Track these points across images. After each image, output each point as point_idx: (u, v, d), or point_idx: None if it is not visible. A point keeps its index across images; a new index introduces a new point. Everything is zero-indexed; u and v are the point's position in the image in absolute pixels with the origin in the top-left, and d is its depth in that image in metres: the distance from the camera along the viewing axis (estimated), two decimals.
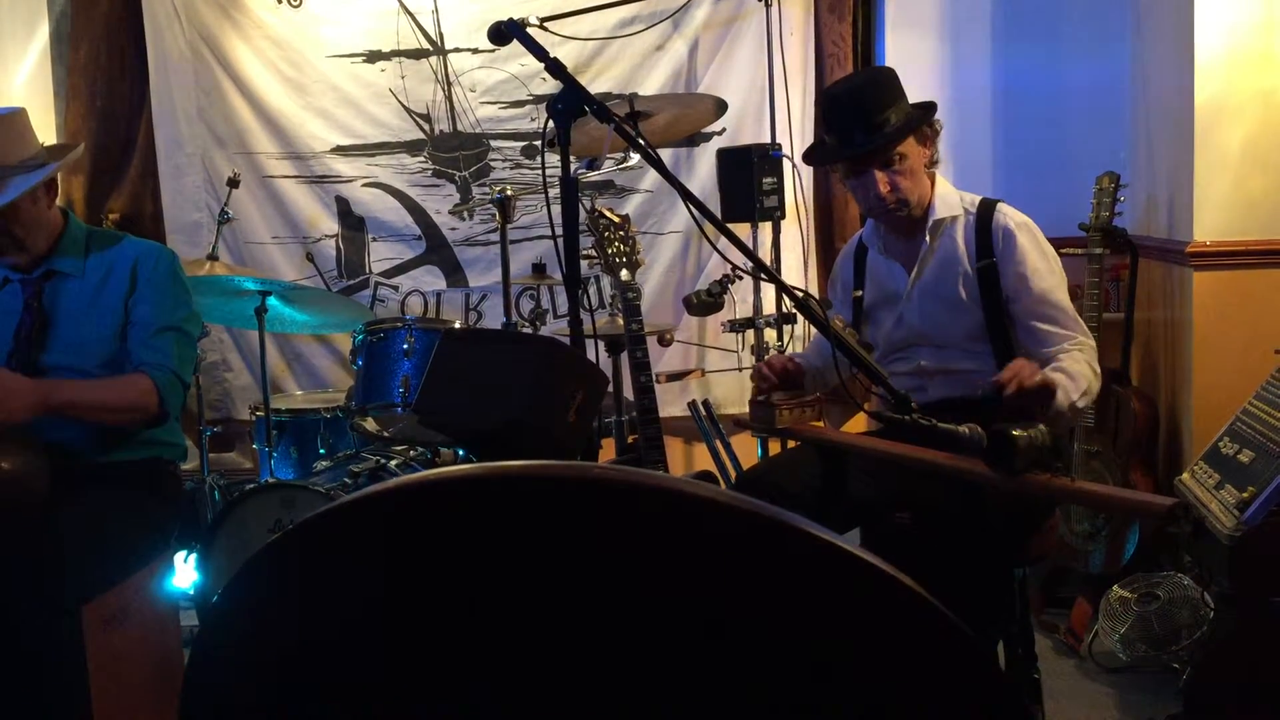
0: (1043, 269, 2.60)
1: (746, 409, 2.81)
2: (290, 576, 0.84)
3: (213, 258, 4.11)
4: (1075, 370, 2.47)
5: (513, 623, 0.80)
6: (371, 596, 0.83)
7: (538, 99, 4.57)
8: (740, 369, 4.39)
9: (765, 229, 4.17)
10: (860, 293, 2.83)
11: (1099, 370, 2.57)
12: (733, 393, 4.56)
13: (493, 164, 4.64)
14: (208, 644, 0.89)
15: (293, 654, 0.85)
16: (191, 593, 3.41)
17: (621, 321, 3.03)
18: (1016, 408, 2.22)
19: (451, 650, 0.82)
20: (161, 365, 2.66)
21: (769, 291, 4.15)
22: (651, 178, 4.56)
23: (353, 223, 4.68)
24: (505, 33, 2.26)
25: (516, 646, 0.81)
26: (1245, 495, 2.45)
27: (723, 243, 2.18)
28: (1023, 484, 2.07)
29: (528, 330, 4.00)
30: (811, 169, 4.46)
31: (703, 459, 4.43)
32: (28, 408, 2.44)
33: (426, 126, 4.62)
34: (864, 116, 2.55)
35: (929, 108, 2.65)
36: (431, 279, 4.71)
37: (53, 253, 2.70)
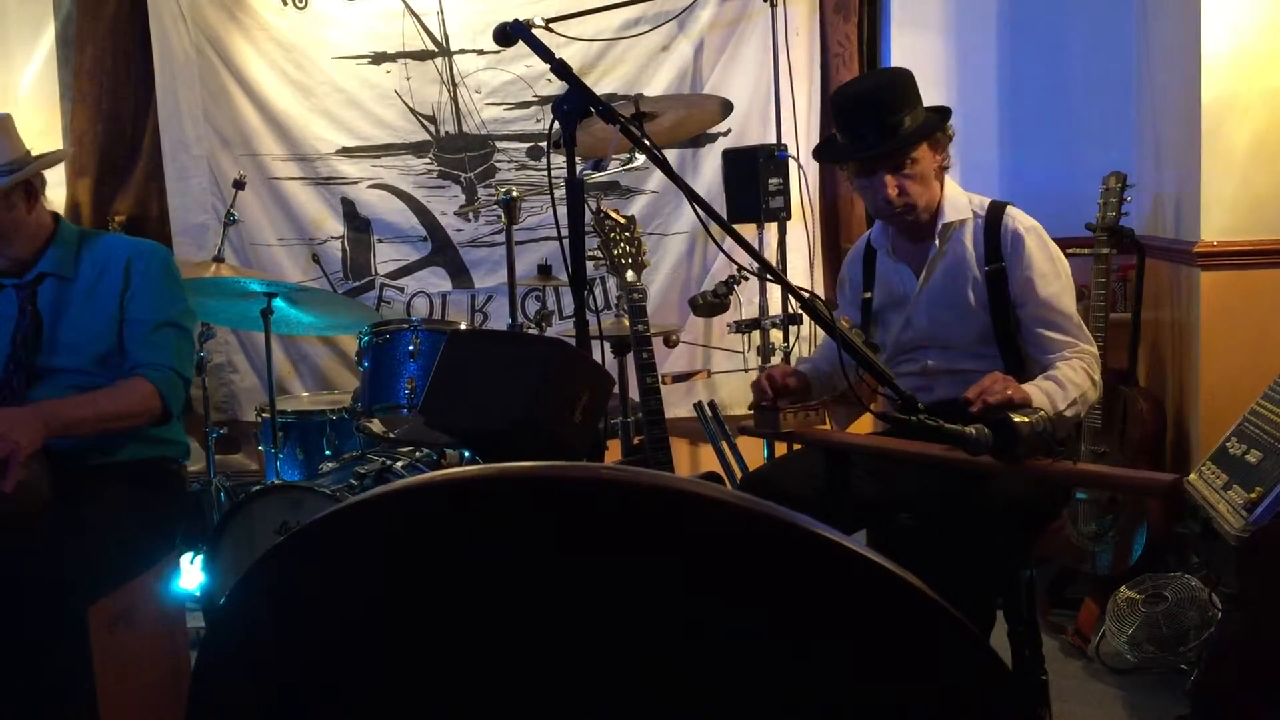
0: (1049, 274, 2.59)
1: (752, 411, 2.80)
2: (297, 579, 0.84)
3: (218, 259, 4.11)
4: (1067, 379, 2.47)
5: (520, 623, 0.80)
6: (378, 598, 0.83)
7: (543, 100, 4.57)
8: (746, 370, 4.38)
9: (771, 230, 4.17)
10: (869, 294, 2.83)
11: (1099, 379, 2.57)
12: (739, 394, 4.56)
13: (498, 165, 4.65)
14: (215, 646, 0.89)
15: (299, 656, 0.85)
16: (198, 594, 3.41)
17: (627, 322, 3.02)
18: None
19: (458, 652, 0.82)
20: (160, 365, 2.65)
21: (775, 292, 4.15)
22: (657, 178, 4.55)
23: (358, 224, 4.68)
24: (510, 34, 2.26)
25: (524, 647, 0.80)
26: (1253, 496, 2.45)
27: (728, 243, 2.18)
28: (1025, 469, 2.07)
29: (533, 331, 4.00)
30: (817, 169, 4.47)
31: (708, 460, 4.43)
32: (34, 435, 2.38)
33: (432, 128, 4.62)
34: (878, 117, 2.54)
35: (944, 113, 2.64)
36: (437, 280, 4.71)
37: (43, 256, 2.69)
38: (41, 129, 4.53)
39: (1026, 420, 2.01)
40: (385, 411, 3.52)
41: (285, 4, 4.55)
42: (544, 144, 4.56)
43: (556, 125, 2.20)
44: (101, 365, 2.66)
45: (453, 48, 4.58)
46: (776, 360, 4.06)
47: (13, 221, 2.63)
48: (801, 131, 4.37)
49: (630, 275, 2.95)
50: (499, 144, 4.63)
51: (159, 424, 2.68)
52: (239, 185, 4.21)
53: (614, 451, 3.58)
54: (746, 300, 4.21)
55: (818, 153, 2.90)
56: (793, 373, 2.72)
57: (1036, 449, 2.04)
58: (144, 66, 4.59)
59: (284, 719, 0.88)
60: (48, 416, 2.45)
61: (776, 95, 4.29)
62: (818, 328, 2.53)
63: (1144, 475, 2.30)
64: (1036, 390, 2.42)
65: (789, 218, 4.16)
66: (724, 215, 3.95)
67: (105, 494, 2.58)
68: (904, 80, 2.63)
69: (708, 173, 4.53)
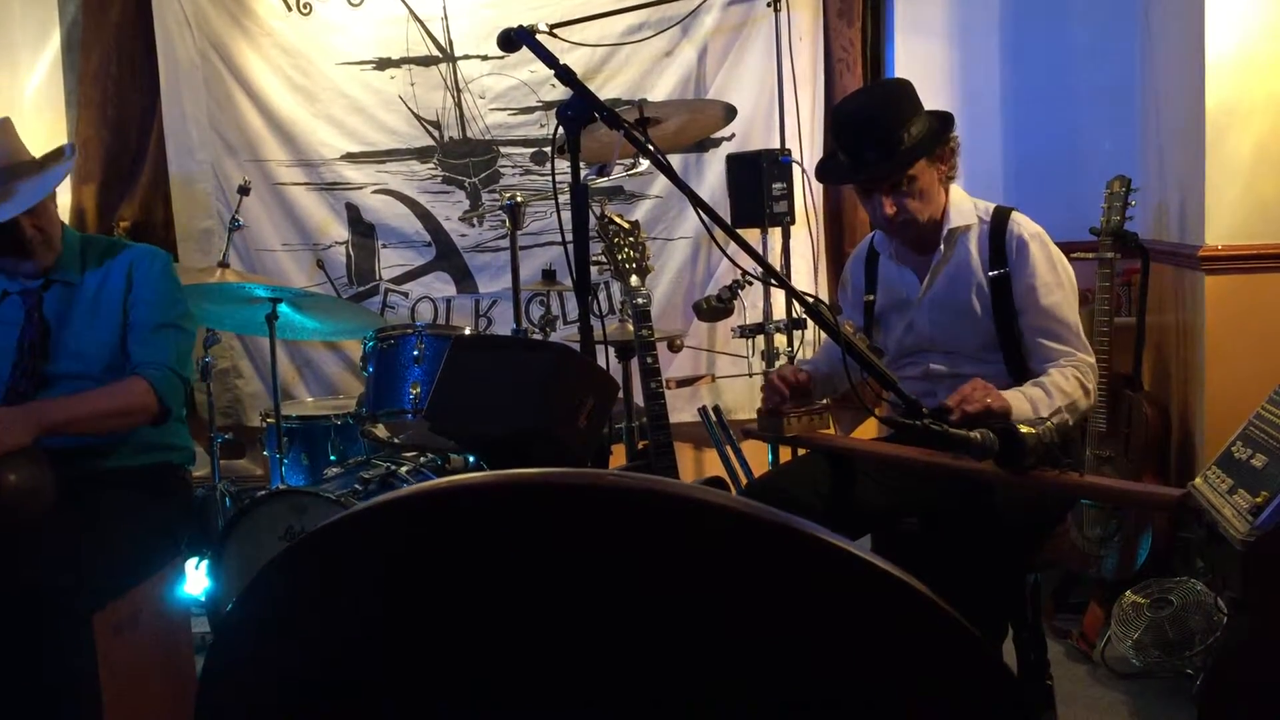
0: (1051, 282, 2.58)
1: (756, 415, 2.80)
2: (303, 585, 0.84)
3: (223, 265, 4.12)
4: (1055, 385, 2.47)
5: (527, 630, 0.80)
6: (384, 605, 0.83)
7: (547, 105, 4.57)
8: (750, 374, 4.39)
9: (775, 234, 4.17)
10: (872, 297, 2.83)
11: (1092, 388, 2.56)
12: (743, 398, 4.56)
13: (502, 170, 4.65)
14: (222, 653, 0.89)
15: (307, 662, 0.85)
16: (203, 599, 3.41)
17: (631, 327, 3.03)
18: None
19: (466, 657, 0.82)
20: (157, 363, 2.65)
21: (779, 297, 4.15)
22: (661, 183, 4.56)
23: (363, 229, 4.69)
24: (514, 39, 2.26)
25: (530, 654, 0.80)
26: (1258, 500, 2.43)
27: (732, 248, 2.18)
28: (1032, 480, 2.07)
29: (538, 336, 4.00)
30: None
31: (713, 465, 4.43)
32: (20, 433, 2.40)
33: (436, 133, 4.63)
34: (874, 137, 2.53)
35: (945, 124, 2.62)
36: (441, 285, 4.71)
37: (51, 262, 2.70)
38: (47, 134, 4.54)
39: (1033, 431, 2.01)
40: (390, 417, 3.52)
41: (290, 10, 4.56)
42: (548, 149, 4.56)
43: (560, 130, 2.20)
44: (108, 371, 2.66)
45: (457, 53, 4.58)
46: (781, 364, 4.06)
47: (49, 224, 2.66)
48: (805, 136, 4.38)
49: (634, 280, 2.95)
50: (503, 149, 4.63)
51: (157, 423, 2.68)
52: (244, 191, 4.22)
53: (618, 457, 3.58)
54: (750, 305, 4.21)
55: (820, 173, 2.90)
56: (799, 370, 2.72)
57: (1043, 460, 2.04)
58: (149, 72, 4.60)
59: None
60: (39, 415, 2.46)
61: (780, 100, 4.29)
62: (822, 332, 2.53)
63: (1152, 490, 2.29)
64: (1020, 397, 2.42)
65: (793, 222, 4.16)
66: (728, 220, 3.95)
67: (110, 499, 2.59)
68: (901, 94, 2.61)
69: (711, 177, 4.53)
